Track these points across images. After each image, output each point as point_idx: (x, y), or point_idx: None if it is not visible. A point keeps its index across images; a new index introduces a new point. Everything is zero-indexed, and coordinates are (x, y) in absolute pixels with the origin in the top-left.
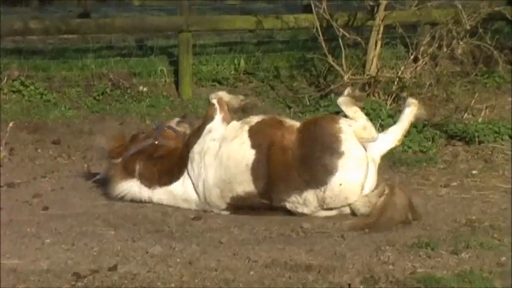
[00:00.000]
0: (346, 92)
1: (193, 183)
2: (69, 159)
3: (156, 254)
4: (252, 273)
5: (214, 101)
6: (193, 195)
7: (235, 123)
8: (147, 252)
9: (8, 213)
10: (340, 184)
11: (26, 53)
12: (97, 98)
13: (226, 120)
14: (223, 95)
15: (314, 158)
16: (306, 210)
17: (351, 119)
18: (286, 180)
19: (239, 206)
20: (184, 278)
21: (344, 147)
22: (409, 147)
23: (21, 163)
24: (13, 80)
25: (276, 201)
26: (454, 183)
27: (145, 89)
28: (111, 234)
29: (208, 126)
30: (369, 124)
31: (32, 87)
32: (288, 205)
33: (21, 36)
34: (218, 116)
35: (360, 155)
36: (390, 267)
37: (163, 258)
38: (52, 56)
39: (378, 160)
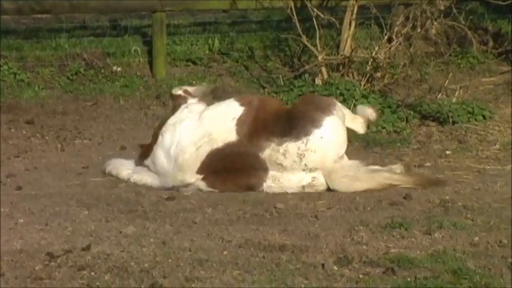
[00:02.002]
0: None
1: (164, 153)
2: (43, 139)
3: (130, 234)
4: (225, 253)
5: (180, 92)
6: (164, 166)
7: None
8: (120, 232)
9: None
10: (321, 137)
11: None
12: (71, 78)
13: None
14: (187, 87)
15: (304, 112)
16: (284, 162)
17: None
18: (271, 128)
19: (213, 166)
20: (157, 258)
21: (335, 112)
22: (383, 128)
23: None
24: None
25: (257, 147)
26: (428, 164)
27: (119, 69)
28: (84, 214)
29: (184, 106)
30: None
31: (6, 67)
32: (267, 153)
33: None
34: (192, 100)
35: (343, 128)
36: (364, 247)
37: (137, 238)
38: (25, 36)
39: None
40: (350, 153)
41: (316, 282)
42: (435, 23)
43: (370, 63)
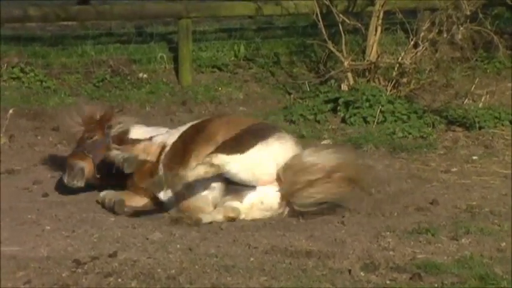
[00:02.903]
0: None
1: None
2: (69, 146)
3: (156, 241)
4: (252, 259)
5: None
6: None
7: None
8: (147, 239)
9: (8, 200)
10: None
11: (25, 40)
12: (96, 84)
13: None
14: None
15: None
16: None
17: None
18: None
19: None
20: (184, 264)
21: None
22: (409, 133)
23: (21, 150)
24: (12, 67)
25: None
26: (454, 169)
27: (145, 76)
28: (111, 220)
29: None
30: None
31: (32, 74)
32: None
33: (21, 23)
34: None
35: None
36: (390, 253)
37: (163, 244)
38: (51, 43)
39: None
40: (377, 159)
41: None
42: (461, 28)
43: (396, 68)
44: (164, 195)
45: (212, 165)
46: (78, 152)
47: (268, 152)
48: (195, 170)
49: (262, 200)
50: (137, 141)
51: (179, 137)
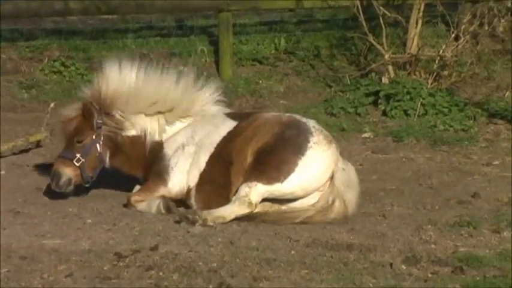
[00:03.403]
0: None
1: None
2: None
3: (197, 234)
4: (293, 252)
5: None
6: None
7: None
8: (188, 232)
9: (50, 194)
10: None
11: (66, 34)
12: None
13: None
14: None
15: None
16: None
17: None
18: None
19: None
20: (225, 257)
21: None
22: (451, 126)
23: (62, 144)
24: (54, 61)
25: None
26: (496, 162)
27: (185, 69)
28: (152, 214)
29: None
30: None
31: (73, 68)
32: None
33: (62, 16)
34: None
35: None
36: (432, 246)
37: (204, 237)
38: (92, 37)
39: None
40: (418, 152)
41: (384, 281)
42: (502, 21)
43: (437, 61)
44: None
45: (250, 204)
46: (65, 159)
47: (308, 169)
48: (233, 209)
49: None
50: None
51: (204, 174)
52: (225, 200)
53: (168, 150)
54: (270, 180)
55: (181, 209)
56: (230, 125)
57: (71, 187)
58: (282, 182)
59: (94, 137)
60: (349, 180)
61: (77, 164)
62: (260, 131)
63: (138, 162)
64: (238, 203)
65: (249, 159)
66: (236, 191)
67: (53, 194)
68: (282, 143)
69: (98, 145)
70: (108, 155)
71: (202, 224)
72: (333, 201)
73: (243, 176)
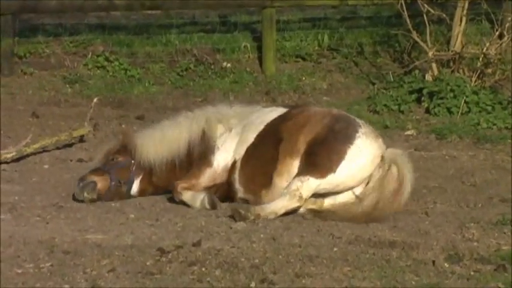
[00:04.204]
0: None
1: None
2: None
3: (240, 230)
4: (335, 249)
5: None
6: None
7: None
8: (230, 228)
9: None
10: None
11: (110, 29)
12: (180, 73)
13: None
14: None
15: None
16: None
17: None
18: None
19: None
20: (267, 253)
21: None
22: (494, 124)
23: (105, 138)
24: (97, 56)
25: None
26: None
27: (228, 65)
28: (194, 209)
29: None
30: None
31: (116, 63)
32: None
33: (105, 11)
34: None
35: None
36: (475, 244)
37: (247, 233)
38: (136, 32)
39: None
40: (461, 149)
41: (426, 279)
42: None
43: (480, 59)
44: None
45: (301, 198)
46: (97, 169)
47: (357, 158)
48: (283, 203)
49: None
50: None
51: (252, 148)
52: (268, 178)
53: (213, 134)
54: (322, 172)
55: (234, 204)
56: (280, 111)
57: (95, 192)
58: (335, 171)
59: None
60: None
61: (108, 173)
62: (311, 120)
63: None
64: (289, 197)
65: (301, 148)
66: (281, 170)
67: None
68: (332, 135)
69: (130, 164)
70: (140, 177)
71: (254, 219)
72: (389, 167)
73: (291, 157)
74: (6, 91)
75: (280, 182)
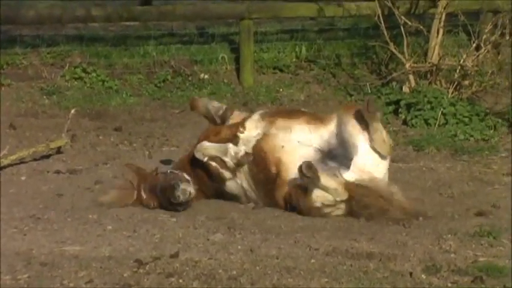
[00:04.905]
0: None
1: None
2: (131, 146)
3: (217, 241)
4: (313, 261)
5: (204, 160)
6: None
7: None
8: (208, 240)
9: (70, 200)
10: None
11: (88, 40)
12: (158, 85)
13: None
14: (211, 150)
15: None
16: None
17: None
18: None
19: None
20: (245, 265)
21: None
22: (471, 136)
23: (82, 150)
24: (75, 67)
25: None
26: None
27: (206, 76)
28: (172, 221)
29: (226, 187)
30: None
31: (94, 74)
32: None
33: (83, 23)
34: (227, 175)
35: None
36: (452, 255)
37: (225, 245)
38: (114, 43)
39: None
40: (438, 161)
41: None
42: None
43: (458, 70)
44: None
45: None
46: None
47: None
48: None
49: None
50: None
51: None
52: None
53: None
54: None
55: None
56: None
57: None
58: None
59: None
60: None
61: None
62: None
63: None
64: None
65: None
66: None
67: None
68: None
69: None
70: None
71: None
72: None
73: None
74: None
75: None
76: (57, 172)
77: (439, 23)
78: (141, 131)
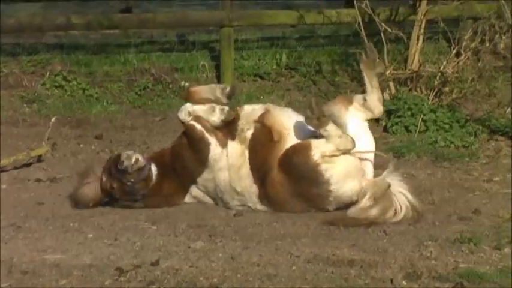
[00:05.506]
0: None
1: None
2: (112, 154)
3: (198, 249)
4: (294, 268)
5: (188, 120)
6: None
7: (234, 146)
8: (189, 247)
9: (51, 208)
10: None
11: (68, 48)
12: (139, 93)
13: (221, 142)
14: (197, 109)
15: (307, 192)
16: None
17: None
18: (290, 209)
19: None
20: (226, 273)
21: (327, 174)
22: (452, 142)
23: (63, 158)
24: (55, 75)
25: None
26: (497, 178)
27: (187, 84)
28: (153, 229)
29: (210, 156)
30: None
31: (74, 82)
32: None
33: (64, 31)
34: (213, 141)
35: (345, 168)
36: (433, 262)
37: (206, 253)
38: (94, 51)
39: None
40: (419, 168)
41: None
42: (504, 38)
43: (438, 77)
44: None
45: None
46: None
47: None
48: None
49: None
50: None
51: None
52: None
53: None
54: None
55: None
56: None
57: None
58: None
59: None
60: None
61: None
62: None
63: None
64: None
65: None
66: None
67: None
68: None
69: None
70: None
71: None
72: None
73: None
74: None
75: None
76: (38, 180)
77: (419, 29)
78: (122, 138)
